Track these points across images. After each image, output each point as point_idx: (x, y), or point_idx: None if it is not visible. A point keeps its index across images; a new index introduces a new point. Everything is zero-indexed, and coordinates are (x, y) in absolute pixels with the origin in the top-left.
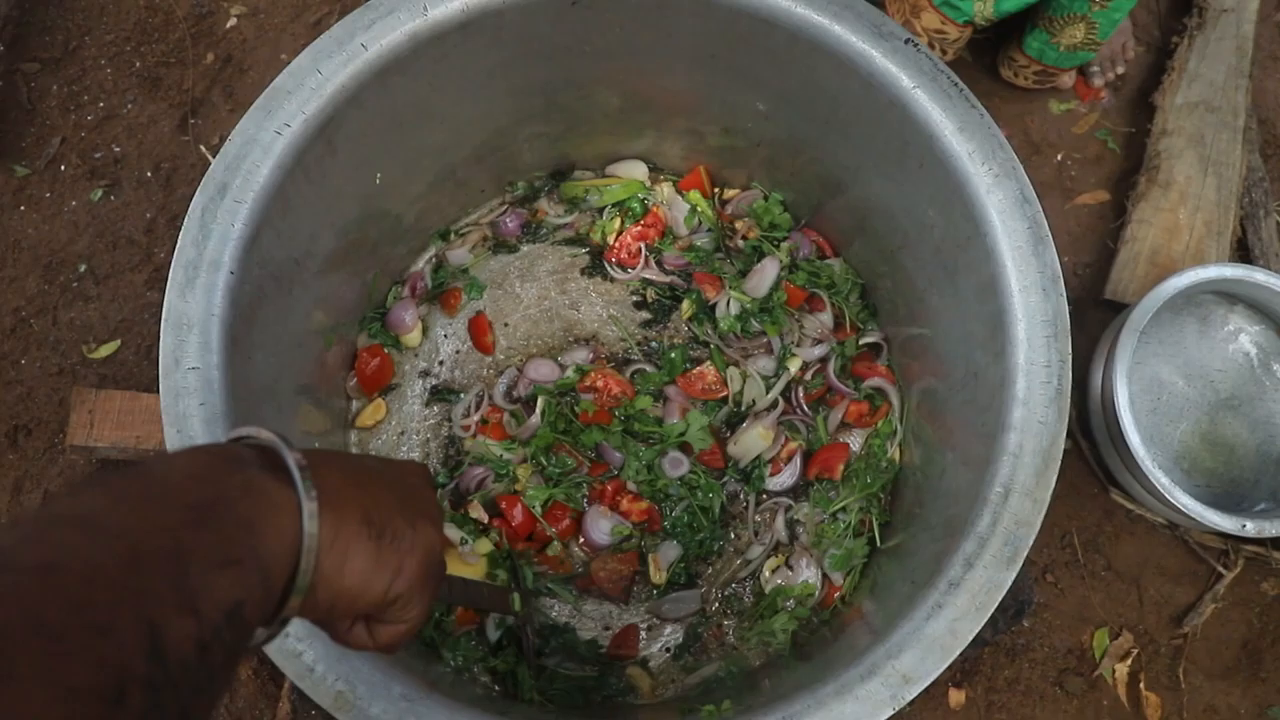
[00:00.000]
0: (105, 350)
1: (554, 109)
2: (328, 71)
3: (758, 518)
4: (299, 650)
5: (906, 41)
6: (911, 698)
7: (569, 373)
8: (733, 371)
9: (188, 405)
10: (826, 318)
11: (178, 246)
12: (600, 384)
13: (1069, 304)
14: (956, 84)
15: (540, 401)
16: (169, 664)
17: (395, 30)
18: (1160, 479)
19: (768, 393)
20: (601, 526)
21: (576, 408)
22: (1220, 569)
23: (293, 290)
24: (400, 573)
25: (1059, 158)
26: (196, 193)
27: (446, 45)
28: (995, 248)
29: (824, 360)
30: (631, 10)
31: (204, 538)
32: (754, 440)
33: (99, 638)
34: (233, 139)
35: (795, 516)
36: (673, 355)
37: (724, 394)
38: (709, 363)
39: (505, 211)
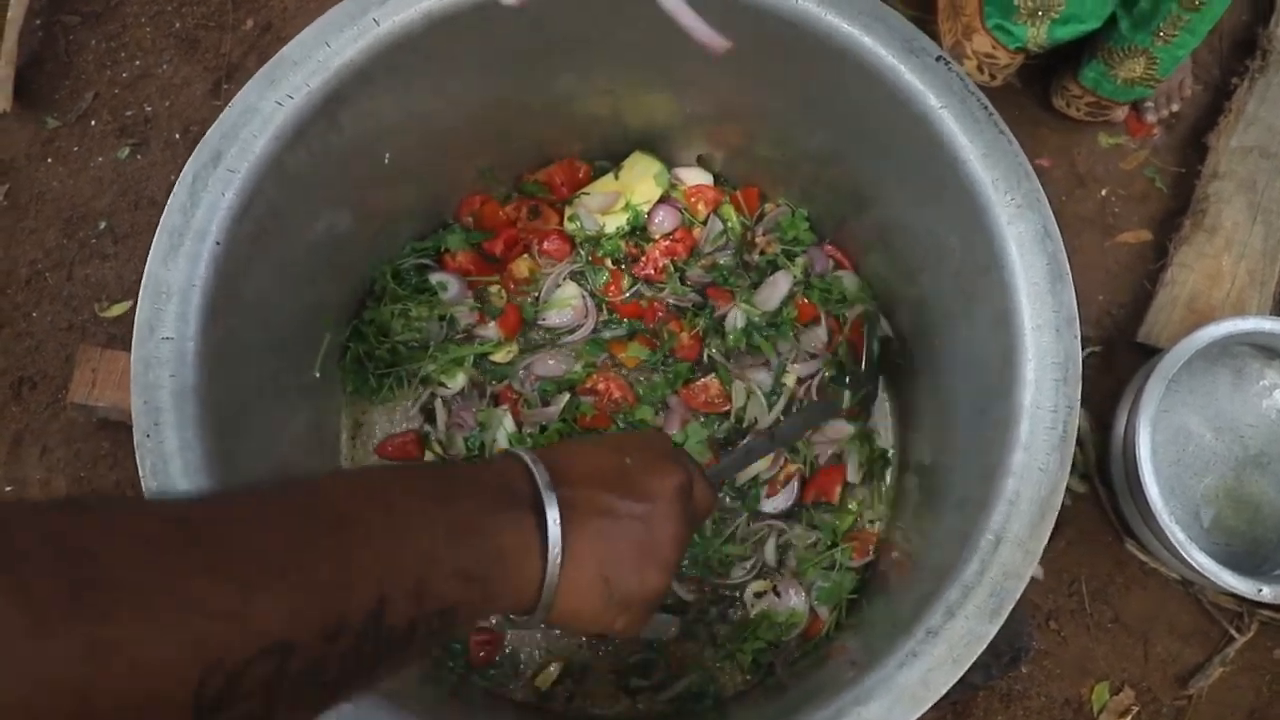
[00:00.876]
0: (117, 310)
1: (576, 100)
2: (337, 45)
3: (751, 540)
4: None
5: (938, 59)
6: None
7: (577, 368)
8: (738, 386)
9: (158, 376)
10: (821, 331)
11: (165, 212)
12: (602, 386)
13: (1100, 344)
14: (986, 107)
15: (562, 398)
16: (381, 628)
17: (410, 7)
18: (1176, 533)
19: (769, 411)
20: None
21: (577, 410)
22: (1233, 632)
23: (286, 268)
24: (621, 618)
25: (1103, 193)
26: (190, 159)
27: (461, 25)
28: (1011, 281)
29: (813, 375)
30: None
31: (455, 552)
32: None
33: (344, 588)
34: (233, 106)
35: (789, 540)
36: (679, 365)
37: (726, 408)
38: (714, 375)
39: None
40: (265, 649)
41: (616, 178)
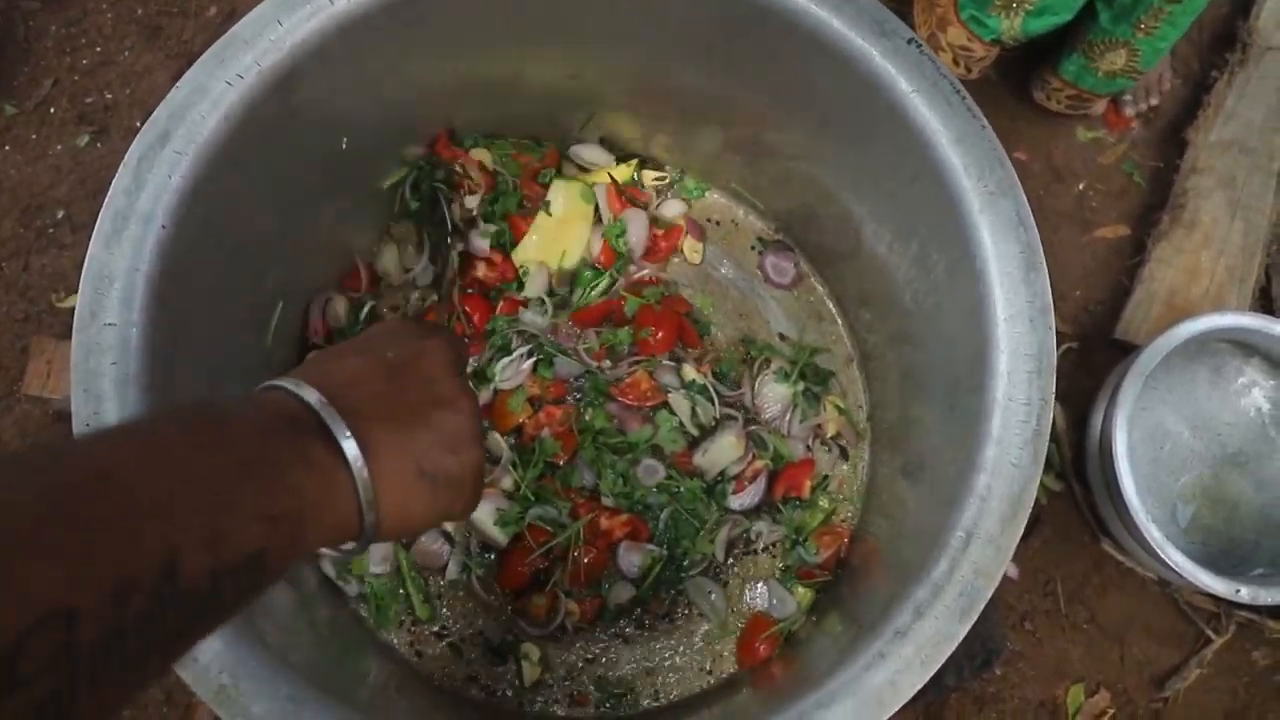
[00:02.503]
0: (73, 300)
1: (538, 90)
2: (289, 24)
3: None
4: None
5: (909, 41)
6: None
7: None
8: (676, 398)
9: (99, 363)
10: None
11: (108, 194)
12: (543, 417)
13: (1076, 341)
14: (959, 91)
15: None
16: (177, 584)
17: None
18: (1153, 532)
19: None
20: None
21: (543, 449)
22: (1210, 633)
23: (239, 253)
24: (455, 502)
25: (1081, 187)
26: (135, 139)
27: (421, 7)
28: (984, 270)
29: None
30: None
31: (250, 495)
32: (724, 450)
33: (122, 544)
34: (180, 86)
35: (753, 534)
36: (597, 379)
37: (662, 400)
38: (639, 370)
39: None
40: (43, 618)
41: (550, 214)
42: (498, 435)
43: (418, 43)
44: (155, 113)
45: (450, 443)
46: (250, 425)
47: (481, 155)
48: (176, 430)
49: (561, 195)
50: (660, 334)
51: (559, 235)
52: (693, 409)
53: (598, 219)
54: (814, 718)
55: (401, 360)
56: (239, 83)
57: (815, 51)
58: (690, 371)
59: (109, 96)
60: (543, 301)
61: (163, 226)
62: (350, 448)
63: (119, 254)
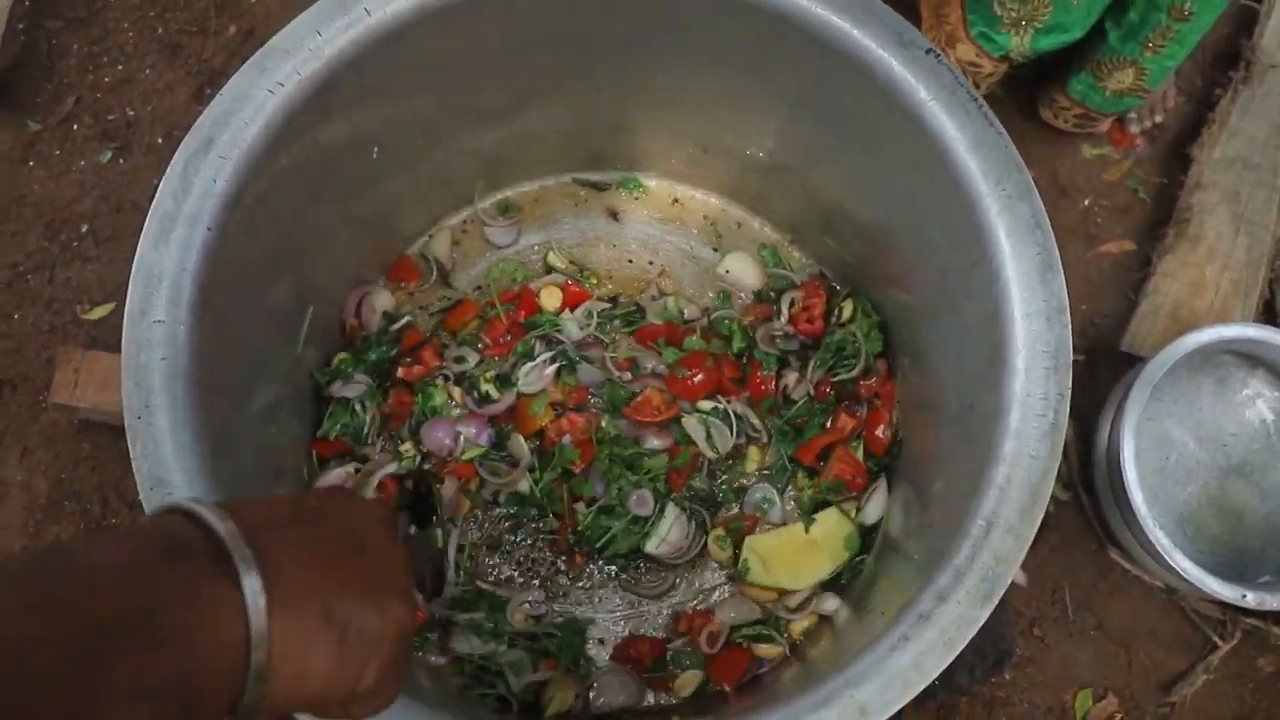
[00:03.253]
0: (99, 312)
1: (566, 101)
2: (327, 35)
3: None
4: None
5: (928, 51)
6: None
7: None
8: (690, 422)
9: (149, 359)
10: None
11: (156, 197)
12: (565, 424)
13: (1083, 353)
14: (975, 99)
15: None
16: None
17: None
18: (1161, 540)
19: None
20: None
21: (562, 456)
22: (1216, 639)
23: (276, 255)
24: (367, 667)
25: (1086, 203)
26: (181, 145)
27: (455, 18)
28: (1001, 272)
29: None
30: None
31: (120, 662)
32: (748, 465)
33: None
34: (224, 93)
35: None
36: (616, 389)
37: (674, 413)
38: (650, 388)
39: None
40: None
41: (807, 531)
42: (520, 439)
43: (447, 56)
44: (200, 119)
45: (370, 590)
46: (111, 567)
47: None
48: (16, 602)
49: (832, 523)
50: (696, 379)
51: (801, 556)
52: (707, 433)
53: None
54: (843, 696)
55: (326, 507)
56: (280, 90)
57: (835, 61)
58: (707, 403)
59: (131, 113)
60: (590, 315)
61: (208, 229)
62: (240, 552)
63: (167, 255)
